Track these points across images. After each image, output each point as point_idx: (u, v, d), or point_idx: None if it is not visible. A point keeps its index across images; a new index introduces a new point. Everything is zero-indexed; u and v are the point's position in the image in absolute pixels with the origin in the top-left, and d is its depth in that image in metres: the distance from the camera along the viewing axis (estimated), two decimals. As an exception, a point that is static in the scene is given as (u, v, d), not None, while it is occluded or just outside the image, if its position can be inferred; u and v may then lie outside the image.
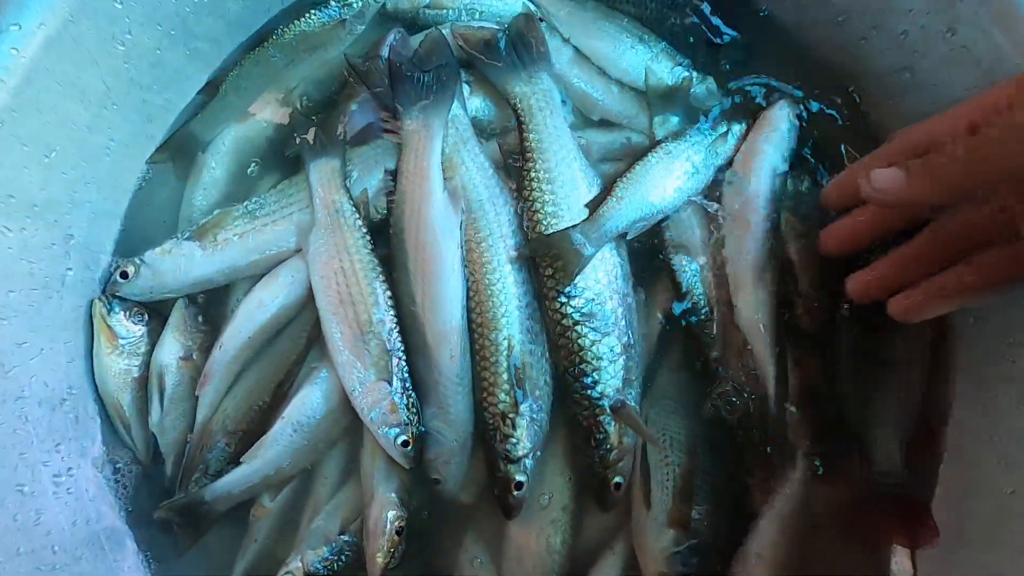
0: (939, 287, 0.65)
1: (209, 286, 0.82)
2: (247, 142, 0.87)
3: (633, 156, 0.84)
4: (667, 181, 0.82)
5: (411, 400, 0.77)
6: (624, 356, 0.78)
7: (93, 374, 0.77)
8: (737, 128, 0.85)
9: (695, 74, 0.89)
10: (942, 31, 0.71)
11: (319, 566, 0.74)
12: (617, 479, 0.77)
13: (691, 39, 0.91)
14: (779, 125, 0.86)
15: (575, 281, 0.78)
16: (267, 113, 0.88)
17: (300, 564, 0.74)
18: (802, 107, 0.88)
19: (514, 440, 0.76)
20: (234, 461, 0.76)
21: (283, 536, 0.80)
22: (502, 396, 0.77)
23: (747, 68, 0.89)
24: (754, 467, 0.80)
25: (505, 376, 0.77)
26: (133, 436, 0.78)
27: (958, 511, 0.73)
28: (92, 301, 0.77)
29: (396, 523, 0.74)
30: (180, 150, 0.84)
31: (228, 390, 0.81)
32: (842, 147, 0.86)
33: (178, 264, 0.79)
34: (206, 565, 0.78)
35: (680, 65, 0.89)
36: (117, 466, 0.77)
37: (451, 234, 0.80)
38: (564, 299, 0.78)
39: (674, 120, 0.89)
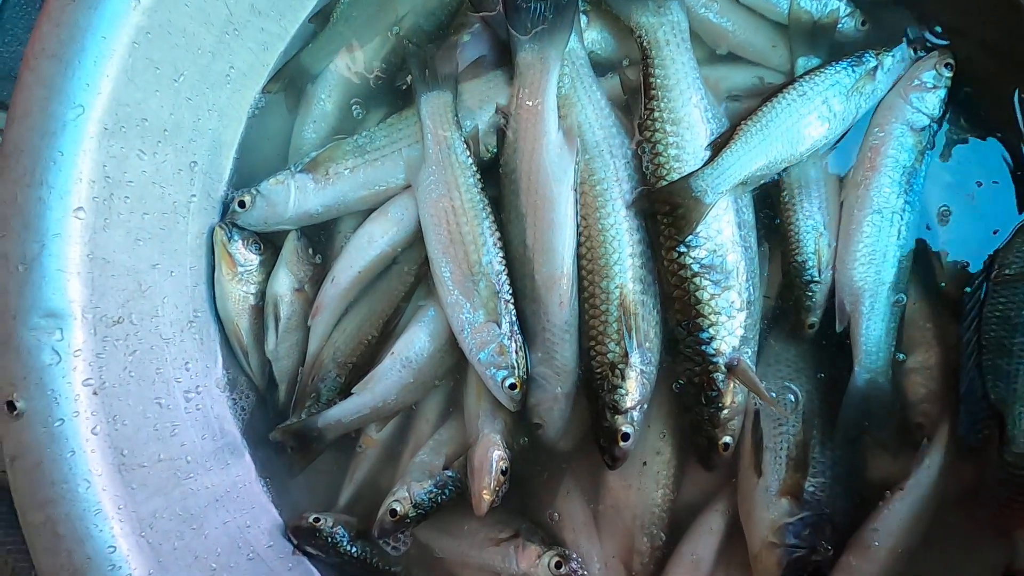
0: None
1: (321, 219, 0.83)
2: (355, 75, 0.86)
3: (763, 96, 0.79)
4: (799, 126, 0.77)
5: (519, 344, 0.77)
6: (744, 312, 0.76)
7: (214, 299, 0.80)
8: (890, 62, 0.77)
9: (844, 4, 0.80)
10: None
11: (424, 497, 0.77)
12: (726, 439, 0.76)
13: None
14: (921, 76, 0.78)
15: (696, 231, 0.75)
16: (376, 45, 0.86)
17: (407, 494, 0.77)
18: (950, 59, 0.78)
19: (623, 391, 0.76)
20: (344, 392, 0.79)
21: (387, 467, 0.84)
22: (612, 346, 0.76)
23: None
24: (883, 442, 0.76)
25: (616, 326, 0.76)
26: (250, 361, 0.82)
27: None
28: (213, 228, 0.80)
29: (501, 463, 0.76)
30: (291, 81, 0.85)
31: (338, 323, 0.83)
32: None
33: (291, 196, 0.80)
34: (316, 487, 0.82)
35: (828, -10, 0.81)
36: (236, 389, 0.81)
37: (565, 176, 0.78)
38: (683, 248, 0.76)
39: (815, 62, 0.82)
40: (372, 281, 0.83)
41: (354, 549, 0.79)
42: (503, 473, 0.76)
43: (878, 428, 0.78)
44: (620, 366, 0.76)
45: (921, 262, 0.79)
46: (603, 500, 0.82)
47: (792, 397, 0.78)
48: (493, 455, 0.76)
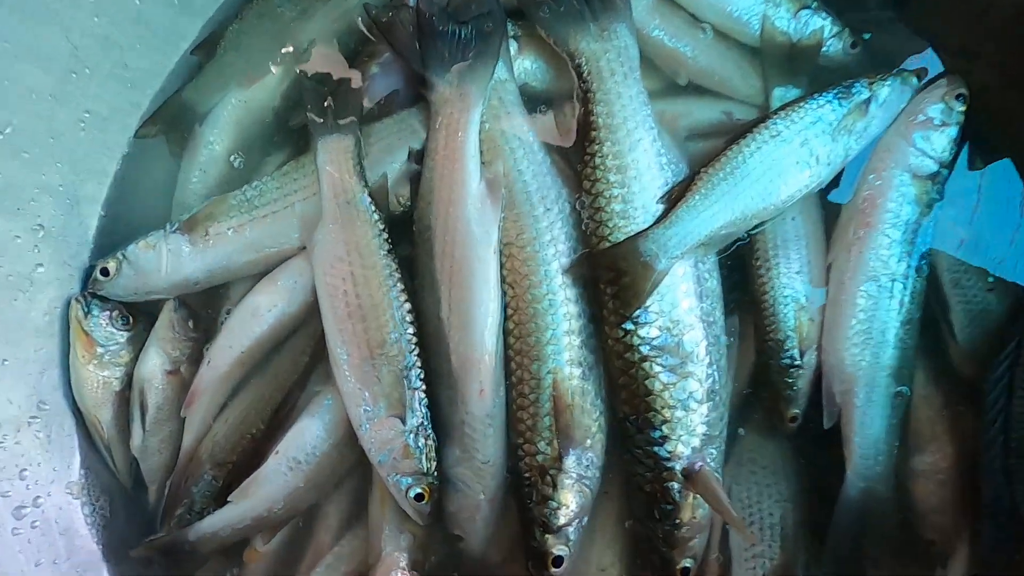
0: None
1: (200, 287, 0.74)
2: (251, 112, 0.75)
3: (731, 136, 0.67)
4: (773, 174, 0.66)
5: (429, 443, 0.66)
6: (707, 404, 0.65)
7: (71, 386, 0.69)
8: (886, 92, 0.64)
9: (830, 23, 0.68)
10: None
11: None
12: (685, 563, 0.64)
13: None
14: (927, 110, 0.67)
15: (646, 304, 0.61)
16: (275, 78, 0.76)
17: None
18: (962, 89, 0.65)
19: (554, 503, 0.64)
20: (222, 497, 0.69)
21: (281, 581, 0.71)
22: (542, 445, 0.65)
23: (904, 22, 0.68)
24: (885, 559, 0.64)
25: (548, 420, 0.65)
26: (115, 458, 0.70)
27: None
28: (70, 301, 0.69)
29: None
30: (173, 122, 0.76)
31: (219, 413, 0.71)
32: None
33: (164, 261, 0.70)
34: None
35: (808, 8, 0.68)
36: (97, 492, 0.69)
37: (487, 236, 0.68)
38: (630, 326, 0.65)
39: (794, 94, 0.72)
40: (259, 363, 0.73)
41: None
42: None
43: (877, 549, 0.64)
44: (552, 471, 0.63)
45: (930, 337, 0.68)
46: None
47: (769, 510, 0.64)
48: None
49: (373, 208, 0.69)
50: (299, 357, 0.71)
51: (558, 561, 0.64)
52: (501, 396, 0.67)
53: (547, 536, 0.64)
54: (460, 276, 0.67)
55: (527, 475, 0.66)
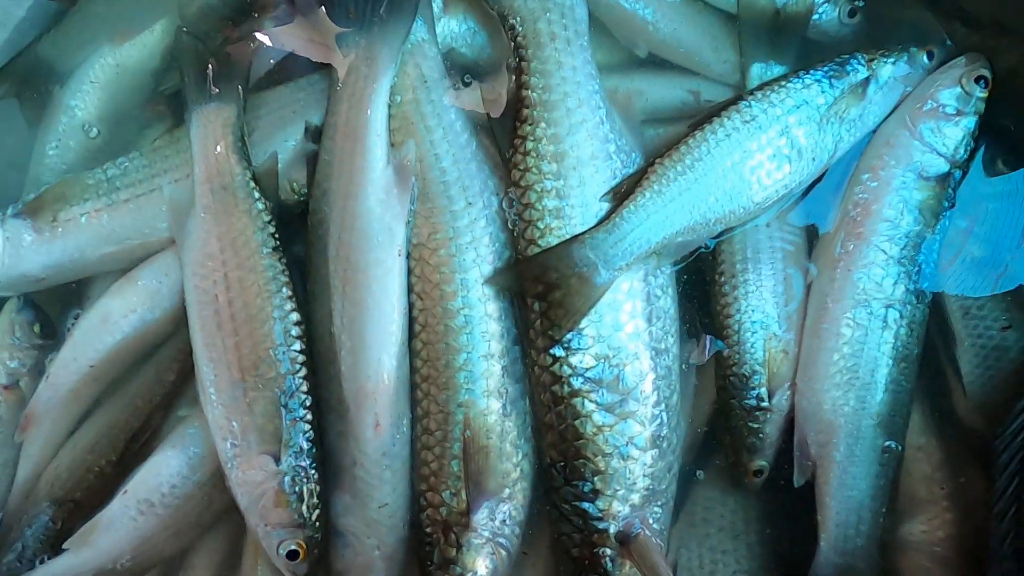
0: None
1: (45, 284, 0.62)
2: (125, 74, 0.63)
3: (696, 120, 0.56)
4: (743, 169, 0.55)
5: (310, 487, 0.55)
6: (651, 453, 0.54)
7: None
8: (888, 72, 0.55)
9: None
10: None
11: None
12: None
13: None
14: (938, 96, 0.56)
15: (580, 326, 0.51)
16: (155, 34, 0.65)
17: None
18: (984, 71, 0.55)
19: (457, 569, 0.51)
20: (60, 542, 0.57)
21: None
22: (447, 496, 0.54)
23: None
24: None
25: (456, 465, 0.54)
26: (-64, 490, 0.58)
27: None
28: None
29: None
30: (25, 81, 0.65)
31: (67, 439, 0.60)
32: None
33: (1, 250, 0.56)
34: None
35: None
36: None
37: (390, 233, 0.56)
38: (560, 352, 0.53)
39: (777, 71, 0.60)
40: (115, 380, 0.61)
41: None
42: None
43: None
44: (456, 528, 0.52)
45: (929, 376, 0.57)
46: None
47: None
48: None
49: (257, 195, 0.58)
50: (164, 374, 0.60)
51: (462, 644, 0.52)
52: (404, 432, 0.56)
53: (449, 612, 0.52)
54: (356, 282, 0.56)
55: (429, 530, 0.54)
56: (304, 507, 0.54)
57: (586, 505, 0.52)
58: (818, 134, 0.54)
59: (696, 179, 0.53)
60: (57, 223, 0.59)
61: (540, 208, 0.55)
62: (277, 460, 0.54)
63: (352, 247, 0.56)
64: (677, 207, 0.53)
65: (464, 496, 0.53)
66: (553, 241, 0.54)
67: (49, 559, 0.57)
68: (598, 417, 0.52)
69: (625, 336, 0.53)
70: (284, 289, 0.57)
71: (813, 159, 0.55)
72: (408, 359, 0.56)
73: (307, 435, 0.55)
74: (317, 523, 0.55)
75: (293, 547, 0.53)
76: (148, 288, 0.59)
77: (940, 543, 0.54)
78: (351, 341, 0.55)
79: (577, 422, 0.52)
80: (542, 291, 0.53)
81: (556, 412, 0.53)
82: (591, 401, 0.52)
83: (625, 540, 0.51)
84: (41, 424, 0.59)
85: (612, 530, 0.52)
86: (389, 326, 0.55)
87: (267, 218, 0.58)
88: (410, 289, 0.56)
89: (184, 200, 0.59)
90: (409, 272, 0.56)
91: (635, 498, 0.52)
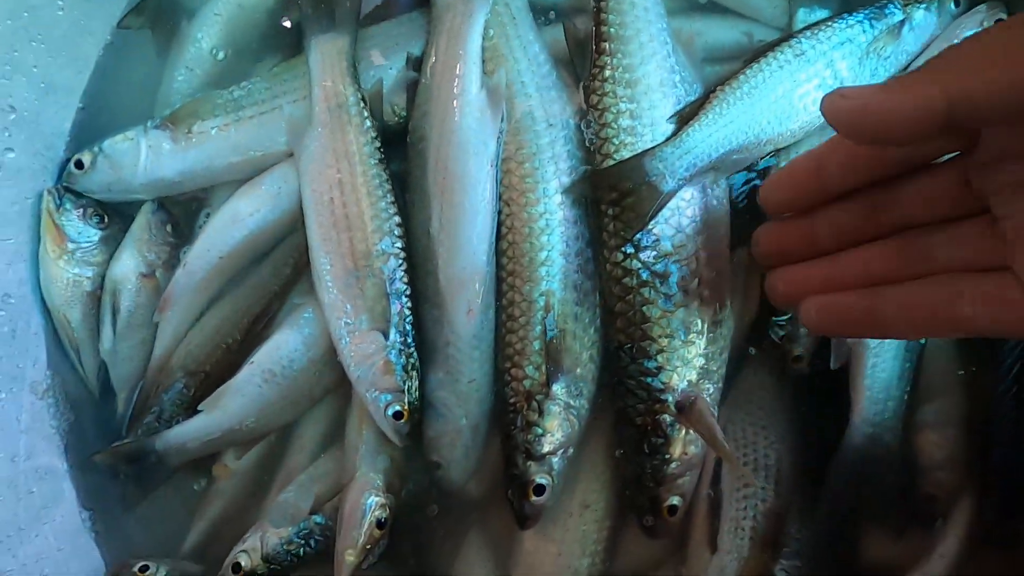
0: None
1: (181, 189, 0.70)
2: (245, 10, 0.72)
3: (751, 54, 0.63)
4: (792, 95, 0.62)
5: (412, 360, 0.63)
6: (707, 336, 0.61)
7: (39, 283, 0.66)
8: (921, 16, 0.60)
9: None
10: None
11: (280, 549, 0.63)
12: (673, 500, 0.61)
13: None
14: (962, 38, 0.63)
15: (648, 226, 0.58)
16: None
17: (258, 544, 0.63)
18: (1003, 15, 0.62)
19: (539, 430, 0.61)
20: (193, 407, 0.66)
21: (253, 503, 0.70)
22: (530, 370, 0.62)
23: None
24: (884, 514, 0.61)
25: (537, 344, 0.62)
26: (83, 362, 0.68)
27: None
28: (42, 193, 0.65)
29: (378, 512, 0.62)
30: (159, 15, 0.72)
31: (196, 322, 0.68)
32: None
33: (142, 157, 0.67)
34: (159, 524, 0.68)
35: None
36: (63, 396, 0.67)
37: (484, 148, 0.64)
38: (631, 249, 0.61)
39: (821, 15, 0.68)
40: (238, 273, 0.69)
41: (191, 610, 0.66)
42: (379, 525, 0.62)
43: (878, 499, 0.61)
44: (539, 397, 0.61)
45: None
46: (516, 565, 0.66)
47: (765, 451, 0.61)
48: (368, 502, 0.62)
49: (366, 114, 0.66)
50: (281, 268, 0.68)
51: (540, 490, 0.61)
52: (490, 318, 0.64)
53: (530, 463, 0.61)
54: (453, 189, 0.64)
55: (512, 400, 0.63)
56: (406, 377, 0.62)
57: (650, 380, 0.60)
58: (858, 68, 0.61)
59: (752, 104, 0.60)
60: (191, 134, 0.67)
61: (616, 127, 0.63)
62: (386, 336, 0.62)
63: (450, 159, 0.63)
64: (734, 128, 0.60)
65: (545, 372, 0.62)
66: (627, 155, 0.61)
67: (184, 420, 0.65)
68: (662, 304, 0.60)
69: (686, 236, 0.62)
70: (388, 195, 0.65)
71: (852, 89, 0.63)
72: (495, 257, 0.64)
73: (408, 319, 0.63)
74: (416, 393, 0.63)
75: (398, 408, 0.62)
76: (270, 192, 0.66)
77: (951, 424, 0.62)
78: (448, 240, 0.63)
79: (645, 309, 0.60)
80: (616, 197, 0.62)
81: (626, 301, 0.61)
82: (656, 290, 0.60)
83: (683, 407, 0.60)
84: (176, 307, 0.67)
85: (671, 400, 0.60)
86: (482, 227, 0.63)
87: (374, 134, 0.65)
88: (499, 197, 0.64)
89: (302, 117, 0.66)
90: (497, 181, 0.64)
91: (692, 375, 0.60)
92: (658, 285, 0.61)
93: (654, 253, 0.61)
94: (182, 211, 0.71)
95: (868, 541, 0.62)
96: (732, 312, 0.63)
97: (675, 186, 0.60)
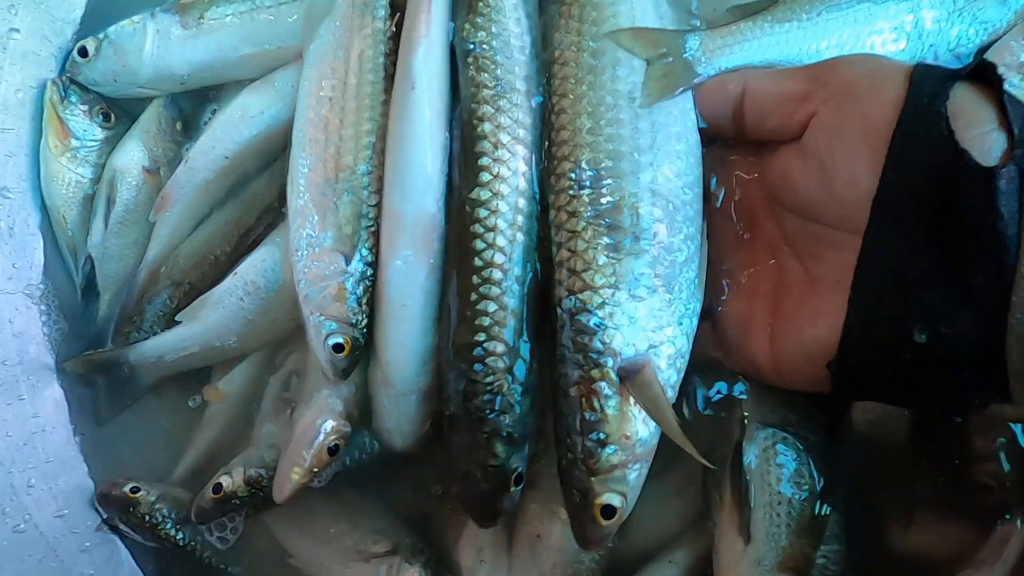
0: None
1: (190, 84, 0.66)
2: None
3: None
4: (861, 30, 0.53)
5: (366, 296, 0.55)
6: (660, 297, 0.47)
7: (39, 180, 0.64)
8: None
9: None
10: None
11: (264, 474, 0.59)
12: (608, 498, 0.47)
13: None
14: None
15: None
16: None
17: (242, 469, 0.60)
18: None
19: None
20: (172, 319, 0.62)
21: (246, 433, 0.65)
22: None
23: None
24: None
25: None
26: (77, 265, 0.65)
27: None
28: (46, 83, 0.63)
29: (332, 436, 0.56)
30: None
31: (194, 228, 0.65)
32: None
33: (148, 44, 0.63)
34: (151, 446, 0.65)
35: None
36: (56, 302, 0.65)
37: None
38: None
39: None
40: (244, 174, 0.64)
41: (180, 535, 0.63)
42: (331, 452, 0.57)
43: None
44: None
45: None
46: (521, 525, 0.60)
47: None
48: (324, 425, 0.56)
49: (389, 23, 0.58)
50: (278, 179, 0.62)
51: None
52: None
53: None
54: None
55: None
56: (359, 311, 0.54)
57: (588, 339, 0.47)
58: (945, 23, 0.51)
59: (818, 27, 0.52)
60: (203, 20, 0.63)
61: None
62: (347, 261, 0.54)
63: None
64: (789, 40, 0.51)
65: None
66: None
67: (161, 332, 0.61)
68: (606, 242, 0.47)
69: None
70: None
71: (930, 46, 0.51)
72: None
73: (373, 250, 0.55)
74: (364, 331, 0.55)
75: (340, 340, 0.54)
76: (282, 90, 0.61)
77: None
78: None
79: (588, 252, 0.47)
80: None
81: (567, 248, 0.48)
82: (600, 225, 0.47)
83: (627, 376, 0.46)
84: (174, 207, 0.62)
85: (611, 365, 0.46)
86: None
87: (389, 41, 0.58)
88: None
89: (321, 9, 0.59)
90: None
91: (644, 335, 0.46)
92: (605, 229, 0.47)
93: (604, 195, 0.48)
94: (193, 111, 0.67)
95: (911, 529, 0.54)
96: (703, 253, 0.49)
97: (707, 73, 0.51)
